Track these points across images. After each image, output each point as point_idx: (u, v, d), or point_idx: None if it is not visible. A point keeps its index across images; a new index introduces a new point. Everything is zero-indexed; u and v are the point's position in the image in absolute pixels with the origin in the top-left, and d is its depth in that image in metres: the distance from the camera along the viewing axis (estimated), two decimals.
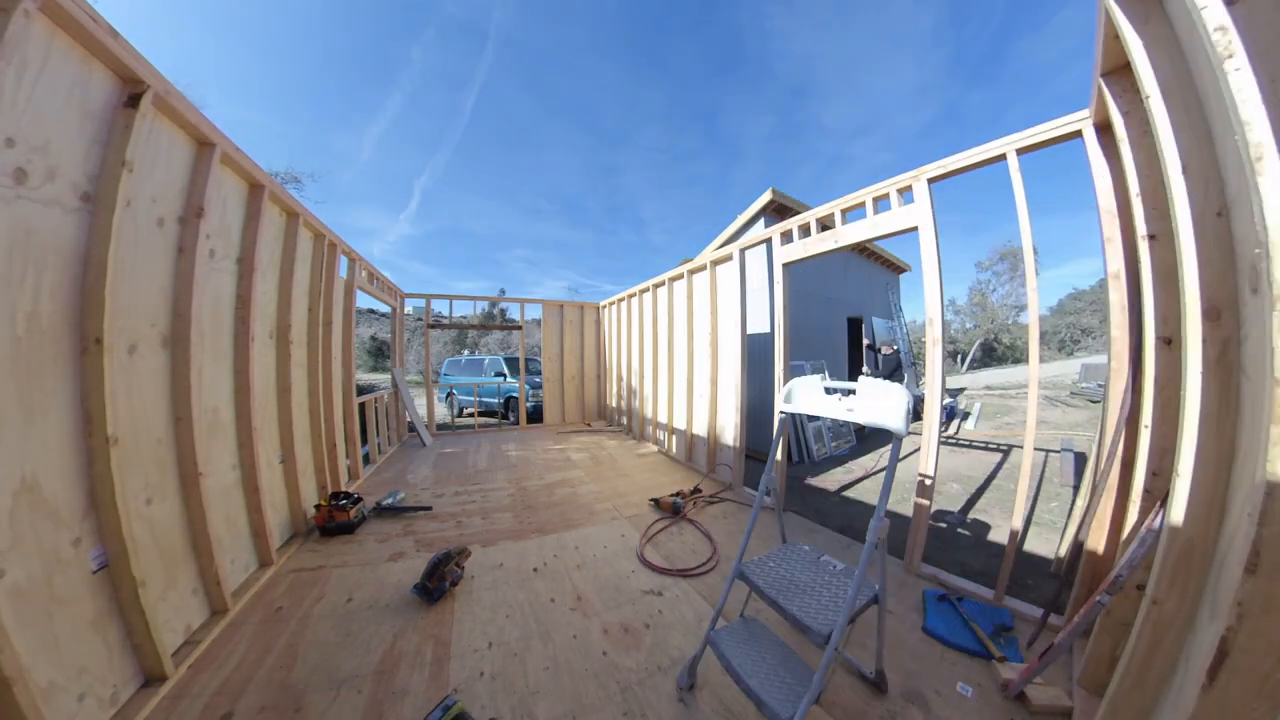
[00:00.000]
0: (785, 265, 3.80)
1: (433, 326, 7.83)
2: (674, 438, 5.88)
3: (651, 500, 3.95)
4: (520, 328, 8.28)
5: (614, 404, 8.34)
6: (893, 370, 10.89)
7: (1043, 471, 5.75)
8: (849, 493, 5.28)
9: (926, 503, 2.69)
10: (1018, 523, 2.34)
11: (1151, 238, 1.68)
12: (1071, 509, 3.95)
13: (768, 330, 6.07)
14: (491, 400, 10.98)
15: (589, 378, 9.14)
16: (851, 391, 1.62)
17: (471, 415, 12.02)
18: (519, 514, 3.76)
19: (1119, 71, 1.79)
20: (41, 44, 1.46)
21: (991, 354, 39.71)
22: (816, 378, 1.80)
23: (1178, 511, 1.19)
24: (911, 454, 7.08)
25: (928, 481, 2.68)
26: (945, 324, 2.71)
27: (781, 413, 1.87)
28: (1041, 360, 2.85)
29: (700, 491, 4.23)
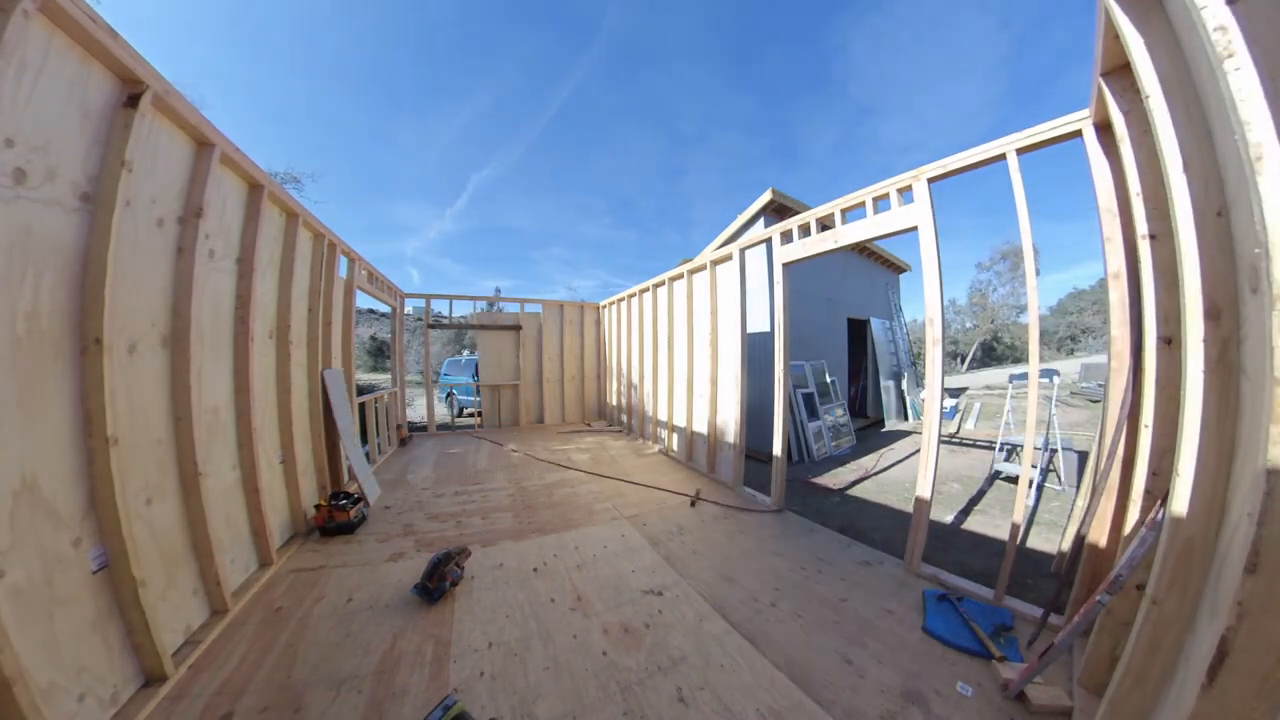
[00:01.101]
0: (785, 265, 3.80)
1: (433, 326, 7.83)
2: (674, 437, 5.88)
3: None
4: (520, 328, 8.28)
5: (614, 403, 8.35)
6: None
7: (1045, 471, 5.74)
8: (849, 492, 5.28)
9: (927, 500, 2.69)
10: (1018, 521, 2.34)
11: (1152, 237, 1.68)
12: (1072, 509, 3.95)
13: (767, 330, 6.07)
14: None
15: (589, 377, 9.14)
16: None
17: (472, 415, 12.01)
18: (519, 514, 3.76)
19: (1119, 71, 1.79)
20: (40, 44, 1.45)
21: (991, 354, 39.69)
22: None
23: (1178, 511, 1.19)
24: (913, 455, 7.08)
25: (928, 481, 2.68)
26: (945, 324, 2.71)
27: None
28: (1042, 360, 2.85)
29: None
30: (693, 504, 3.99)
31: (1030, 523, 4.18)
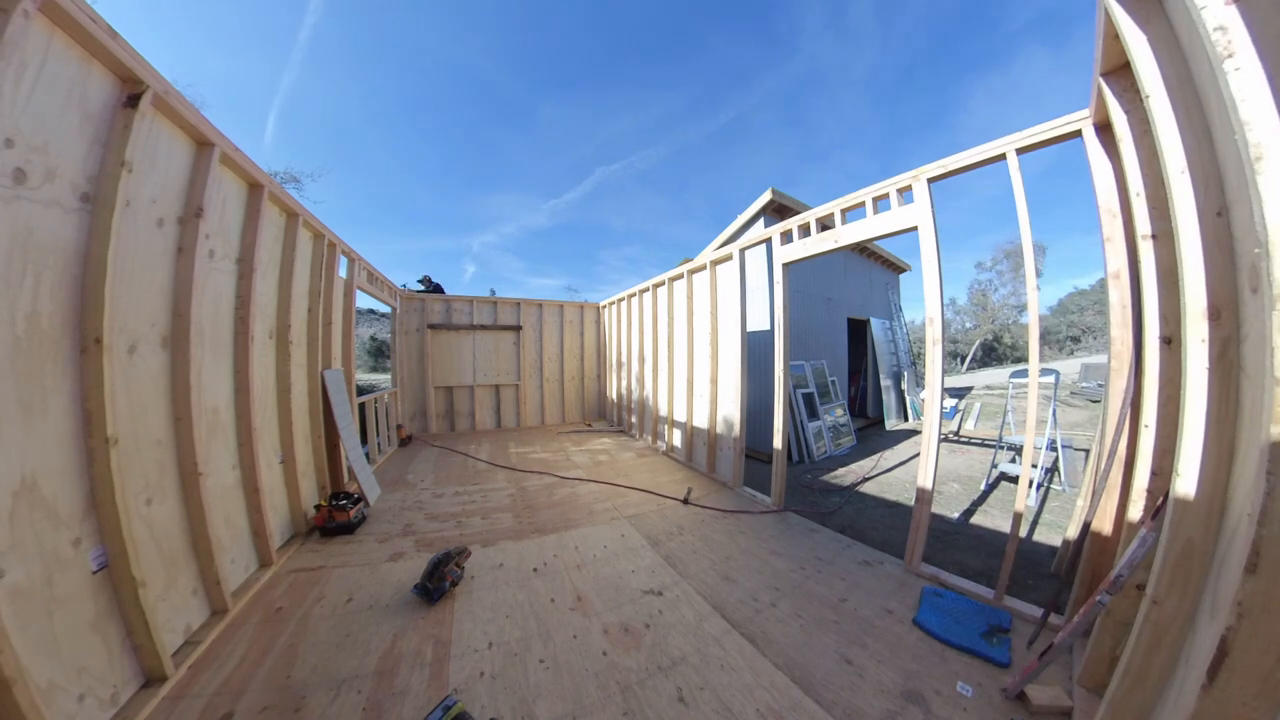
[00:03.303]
0: (785, 265, 3.80)
1: (433, 327, 7.83)
2: (675, 436, 5.88)
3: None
4: (520, 328, 8.27)
5: (614, 403, 8.35)
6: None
7: (1048, 472, 5.73)
8: (850, 492, 5.27)
9: (927, 497, 2.69)
10: (1018, 520, 2.34)
11: (1152, 237, 1.68)
12: (1074, 509, 3.95)
13: (767, 329, 6.07)
14: None
15: (589, 378, 9.14)
16: None
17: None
18: (519, 514, 3.76)
19: (1119, 71, 1.79)
20: (40, 44, 1.45)
21: (992, 354, 39.69)
22: None
23: (1178, 511, 1.19)
24: (913, 458, 7.08)
25: (928, 481, 2.68)
26: (945, 324, 2.71)
27: None
28: (1042, 360, 2.84)
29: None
30: (685, 502, 4.00)
31: (1033, 523, 4.18)
